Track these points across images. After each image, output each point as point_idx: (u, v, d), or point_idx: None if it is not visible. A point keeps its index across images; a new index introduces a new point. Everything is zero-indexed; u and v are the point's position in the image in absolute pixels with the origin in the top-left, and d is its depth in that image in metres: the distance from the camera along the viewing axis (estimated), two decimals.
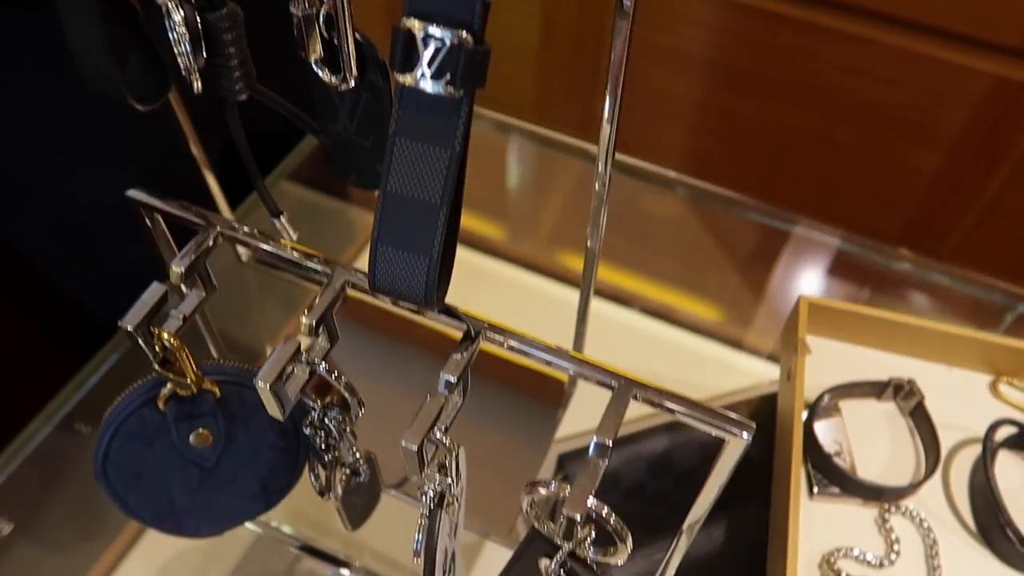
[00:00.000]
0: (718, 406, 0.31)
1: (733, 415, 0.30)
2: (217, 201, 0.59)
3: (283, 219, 0.43)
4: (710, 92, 0.92)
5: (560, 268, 0.70)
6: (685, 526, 0.36)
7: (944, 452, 0.52)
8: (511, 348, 0.33)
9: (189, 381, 0.36)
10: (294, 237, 0.43)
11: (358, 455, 0.41)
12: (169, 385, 0.37)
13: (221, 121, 0.38)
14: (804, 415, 0.51)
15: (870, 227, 0.70)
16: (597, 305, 0.63)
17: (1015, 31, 0.75)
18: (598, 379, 0.32)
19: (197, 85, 0.34)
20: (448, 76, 0.26)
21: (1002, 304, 0.67)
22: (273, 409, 0.33)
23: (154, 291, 0.34)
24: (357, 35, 0.32)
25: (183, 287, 0.35)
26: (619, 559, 0.32)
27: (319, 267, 0.35)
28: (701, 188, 0.75)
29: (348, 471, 0.41)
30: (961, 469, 0.52)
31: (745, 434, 0.30)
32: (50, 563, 0.54)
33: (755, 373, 0.63)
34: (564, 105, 0.99)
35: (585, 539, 0.33)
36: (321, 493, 0.41)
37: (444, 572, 0.37)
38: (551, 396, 0.60)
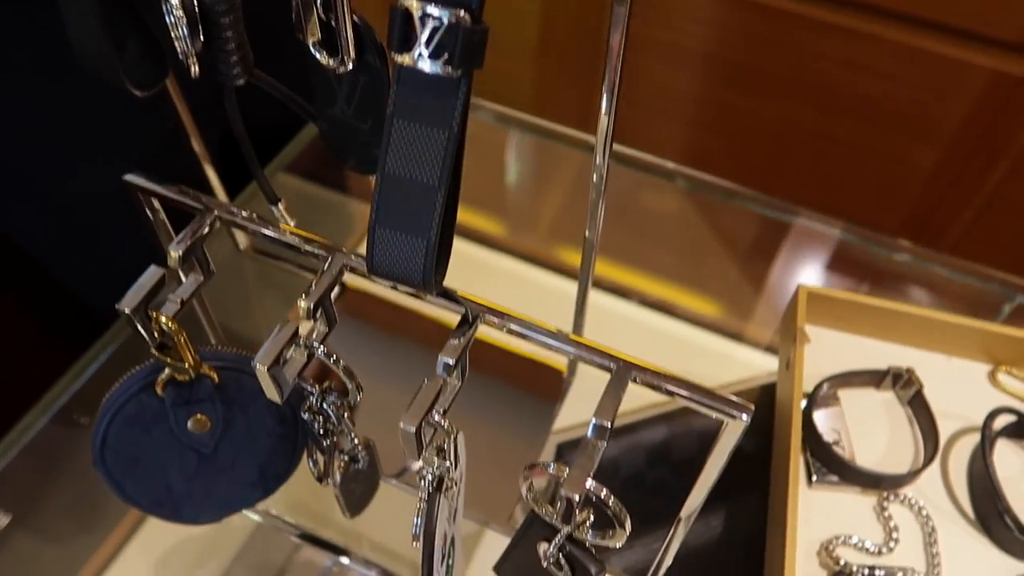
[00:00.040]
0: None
1: (732, 397, 0.30)
2: (216, 192, 0.59)
3: (281, 206, 0.43)
4: (710, 87, 0.92)
5: (559, 260, 0.70)
6: (683, 511, 0.36)
7: (943, 441, 0.52)
8: (510, 331, 0.33)
9: (187, 366, 0.36)
10: (292, 224, 0.43)
11: (356, 441, 0.40)
12: (167, 370, 0.37)
13: (219, 112, 0.38)
14: (803, 404, 0.51)
15: (870, 222, 0.70)
16: (596, 297, 0.63)
17: (1014, 26, 0.75)
18: (596, 361, 0.32)
19: (194, 69, 0.34)
20: (446, 56, 0.26)
21: (1001, 295, 0.67)
22: (271, 392, 0.33)
23: (152, 274, 0.34)
24: (355, 17, 0.32)
25: (181, 272, 0.35)
26: (617, 542, 0.32)
27: (317, 251, 0.35)
28: (700, 179, 0.75)
29: (347, 458, 0.41)
30: (960, 457, 0.52)
31: (744, 416, 0.30)
32: (48, 554, 0.54)
33: (754, 365, 0.63)
34: (563, 98, 0.99)
35: (584, 522, 0.33)
36: (319, 479, 0.41)
37: (443, 556, 0.37)
38: (549, 388, 0.60)
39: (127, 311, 0.33)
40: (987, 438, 0.50)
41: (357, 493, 0.45)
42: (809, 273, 0.70)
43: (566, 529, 0.33)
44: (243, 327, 0.65)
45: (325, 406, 0.38)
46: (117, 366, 0.59)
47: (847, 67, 0.84)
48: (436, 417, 0.31)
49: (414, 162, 0.28)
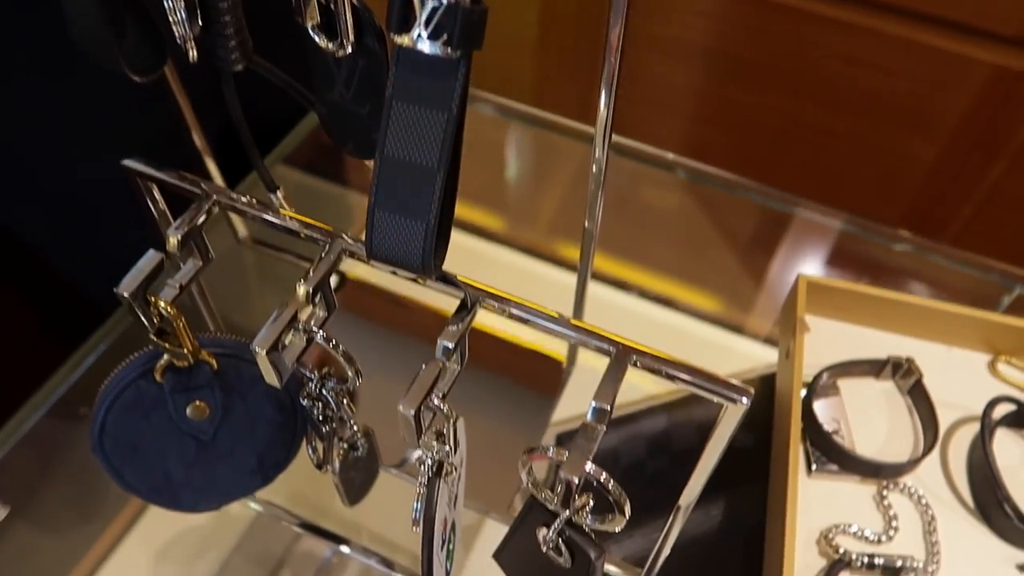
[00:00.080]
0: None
1: (732, 380, 0.30)
2: (215, 181, 0.59)
3: (279, 194, 0.43)
4: (710, 81, 0.92)
5: (559, 252, 0.70)
6: (683, 499, 0.36)
7: (942, 430, 0.52)
8: (510, 315, 0.33)
9: (186, 351, 0.36)
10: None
11: (356, 428, 0.40)
12: (166, 356, 0.37)
13: (218, 103, 0.38)
14: (803, 393, 0.51)
15: (870, 216, 0.71)
16: (595, 289, 0.63)
17: (1014, 20, 0.75)
18: (596, 345, 0.32)
19: (192, 54, 0.34)
20: (445, 36, 0.26)
21: (1000, 285, 0.67)
22: (270, 376, 0.33)
23: (150, 258, 0.34)
24: (354, 0, 0.32)
25: (179, 257, 0.35)
26: (617, 527, 0.32)
27: (316, 235, 0.35)
28: (700, 170, 0.75)
29: (346, 445, 0.41)
30: (959, 446, 0.52)
31: (744, 399, 0.30)
32: (48, 545, 0.54)
33: (754, 356, 0.63)
34: (563, 90, 0.98)
35: (583, 507, 0.33)
36: (319, 466, 0.41)
37: (443, 542, 0.37)
38: (549, 379, 0.60)
39: (126, 295, 0.33)
40: (986, 427, 0.50)
41: (356, 482, 0.45)
42: (810, 265, 0.70)
43: (565, 513, 0.33)
44: (242, 318, 0.65)
45: (324, 392, 0.37)
46: (115, 357, 0.58)
47: (847, 61, 0.83)
48: (435, 401, 0.31)
49: (413, 145, 0.28)
